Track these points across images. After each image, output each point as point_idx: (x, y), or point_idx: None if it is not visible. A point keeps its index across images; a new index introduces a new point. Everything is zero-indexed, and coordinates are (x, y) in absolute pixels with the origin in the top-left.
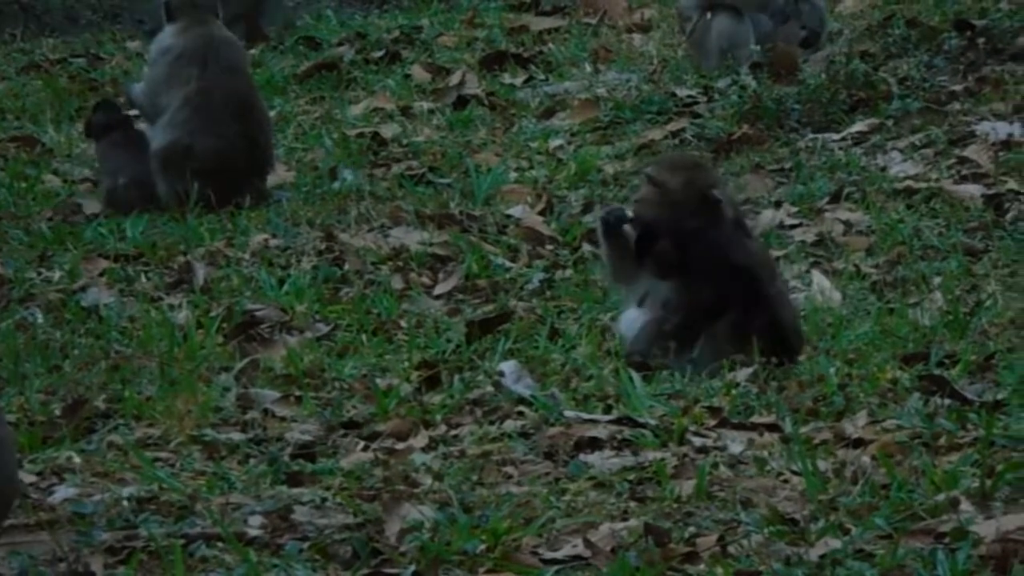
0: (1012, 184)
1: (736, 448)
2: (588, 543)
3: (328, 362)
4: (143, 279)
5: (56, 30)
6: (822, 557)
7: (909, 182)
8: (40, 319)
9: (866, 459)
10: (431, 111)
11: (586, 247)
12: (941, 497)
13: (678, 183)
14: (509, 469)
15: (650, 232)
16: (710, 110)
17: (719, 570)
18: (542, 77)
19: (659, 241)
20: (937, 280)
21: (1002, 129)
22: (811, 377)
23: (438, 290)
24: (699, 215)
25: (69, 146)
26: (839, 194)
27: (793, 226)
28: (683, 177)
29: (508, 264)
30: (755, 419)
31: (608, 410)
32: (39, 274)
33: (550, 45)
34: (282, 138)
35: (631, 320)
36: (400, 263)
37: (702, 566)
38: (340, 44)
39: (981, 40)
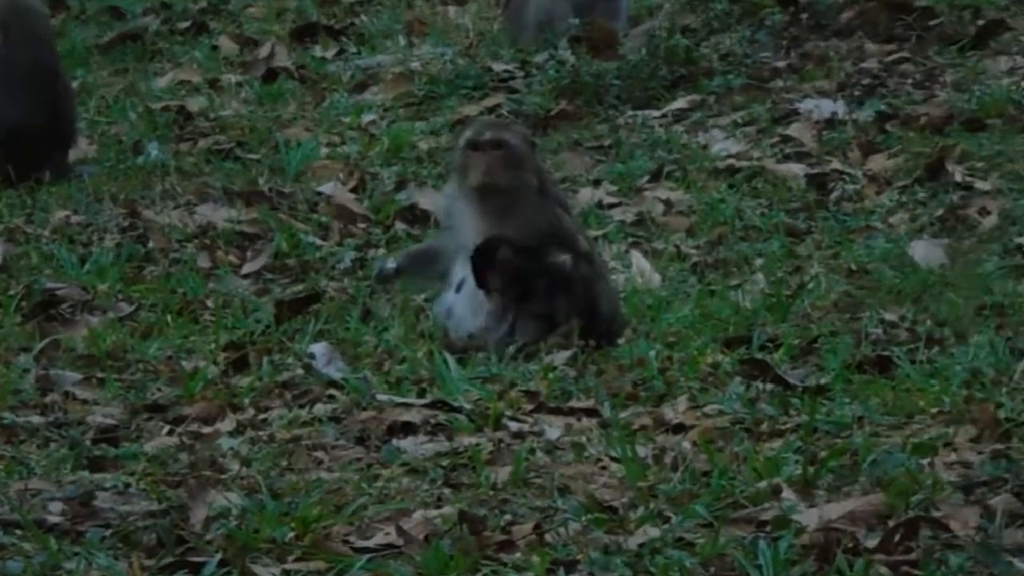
0: (836, 164)
1: (553, 433)
2: (401, 531)
3: (132, 343)
4: None
5: None
6: (641, 546)
7: (731, 161)
8: None
9: (686, 445)
10: (239, 84)
11: (399, 226)
12: (763, 484)
13: (519, 139)
14: (319, 454)
15: (489, 248)
16: (527, 85)
17: (535, 558)
18: (354, 50)
19: (500, 251)
20: (759, 261)
21: (826, 107)
22: (630, 361)
23: (246, 269)
24: (540, 170)
25: None
26: (659, 173)
27: (612, 205)
28: (519, 133)
29: (319, 242)
30: (573, 404)
31: (422, 394)
32: None
33: (363, 17)
34: (84, 111)
35: (448, 304)
36: (207, 241)
37: (518, 554)
38: (145, 14)
39: (805, 15)
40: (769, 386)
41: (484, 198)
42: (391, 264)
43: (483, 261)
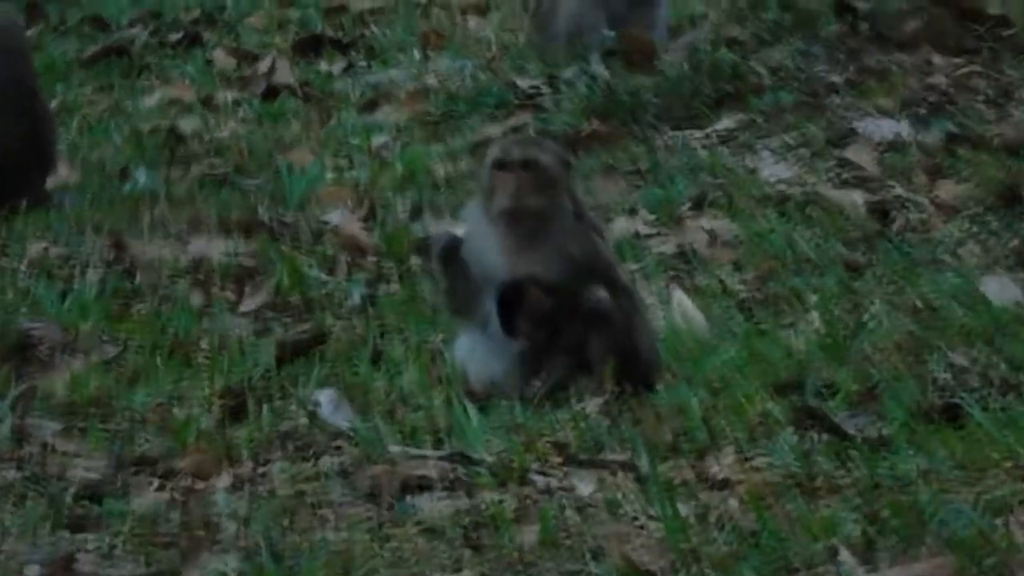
0: (898, 189)
1: (585, 489)
2: None
3: (117, 389)
4: None
5: None
6: None
7: (782, 186)
8: None
9: (733, 502)
10: (236, 103)
11: (415, 260)
12: (818, 546)
13: (552, 158)
14: (325, 512)
15: (516, 290)
16: (556, 103)
17: None
18: (364, 64)
19: (529, 292)
20: (813, 298)
21: (887, 127)
22: (670, 408)
23: (244, 307)
24: (573, 195)
25: None
26: (702, 200)
27: (650, 236)
28: (553, 152)
29: (325, 277)
30: (607, 456)
31: (439, 445)
32: None
33: (373, 28)
34: (65, 132)
35: (471, 345)
36: (200, 276)
37: None
38: (132, 25)
39: (864, 26)
40: (824, 437)
41: (512, 224)
42: (450, 239)
43: (510, 304)
